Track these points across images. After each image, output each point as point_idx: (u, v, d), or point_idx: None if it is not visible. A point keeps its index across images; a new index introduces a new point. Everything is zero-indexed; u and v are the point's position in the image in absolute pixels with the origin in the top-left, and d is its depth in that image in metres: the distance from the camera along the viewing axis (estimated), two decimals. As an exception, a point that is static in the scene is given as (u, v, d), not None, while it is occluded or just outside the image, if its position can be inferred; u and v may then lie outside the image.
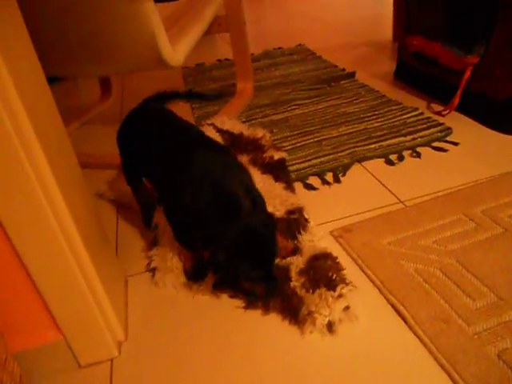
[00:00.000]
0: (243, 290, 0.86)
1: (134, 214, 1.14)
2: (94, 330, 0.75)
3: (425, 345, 0.72)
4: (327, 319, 0.77)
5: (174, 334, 0.81)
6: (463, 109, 1.44)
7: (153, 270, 0.95)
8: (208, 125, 1.44)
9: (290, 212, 1.01)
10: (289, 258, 0.90)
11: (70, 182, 0.72)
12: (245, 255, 0.76)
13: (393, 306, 0.80)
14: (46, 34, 1.21)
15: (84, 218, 0.74)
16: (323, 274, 0.83)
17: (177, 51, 1.22)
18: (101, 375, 0.76)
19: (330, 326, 0.77)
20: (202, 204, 0.77)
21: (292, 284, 0.84)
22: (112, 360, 0.78)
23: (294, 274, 0.86)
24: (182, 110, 1.70)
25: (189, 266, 0.94)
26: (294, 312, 0.80)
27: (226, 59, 2.30)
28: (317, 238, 0.94)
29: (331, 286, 0.80)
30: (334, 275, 0.83)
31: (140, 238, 1.06)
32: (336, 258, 0.88)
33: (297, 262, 0.88)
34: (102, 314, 0.74)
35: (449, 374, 0.67)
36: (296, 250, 0.92)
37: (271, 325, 0.80)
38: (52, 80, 2.46)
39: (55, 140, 0.69)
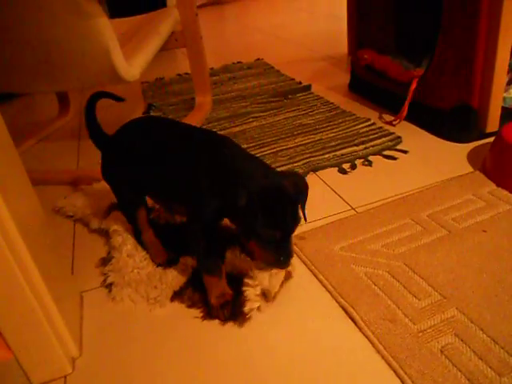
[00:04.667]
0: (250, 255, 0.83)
1: (91, 229, 1.13)
2: (45, 347, 0.74)
3: (373, 344, 0.75)
4: (259, 288, 0.81)
5: (129, 349, 0.81)
6: (412, 118, 1.51)
7: (109, 286, 0.95)
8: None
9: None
10: (239, 267, 0.91)
11: (18, 194, 0.71)
12: (268, 208, 0.71)
13: (343, 308, 0.83)
14: (-3, 50, 1.20)
15: (33, 233, 0.74)
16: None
17: (132, 66, 1.23)
18: (54, 393, 0.75)
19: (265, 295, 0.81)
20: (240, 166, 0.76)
21: (246, 293, 0.85)
22: (66, 377, 0.77)
23: (248, 281, 0.87)
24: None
25: (162, 260, 0.96)
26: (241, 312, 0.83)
27: (186, 73, 2.32)
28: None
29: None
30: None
31: (97, 253, 1.06)
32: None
33: (249, 273, 0.89)
34: (53, 331, 0.74)
35: (395, 371, 0.70)
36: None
37: (229, 334, 0.81)
38: (8, 96, 2.42)
39: (1, 154, 0.69)
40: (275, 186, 0.74)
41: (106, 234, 1.09)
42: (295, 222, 0.75)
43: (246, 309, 0.82)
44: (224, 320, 0.83)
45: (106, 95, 1.01)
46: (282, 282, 0.86)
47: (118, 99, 1.02)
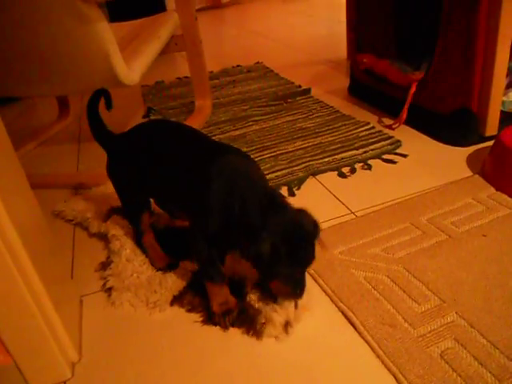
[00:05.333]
0: (267, 290, 0.82)
1: (90, 233, 1.13)
2: (45, 352, 0.74)
3: (373, 349, 0.75)
4: (285, 320, 0.79)
5: (129, 354, 0.81)
6: (411, 122, 1.52)
7: (109, 290, 0.95)
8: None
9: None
10: (240, 272, 0.91)
11: (17, 198, 0.72)
12: (289, 250, 0.71)
13: (343, 313, 0.83)
14: (-3, 55, 1.20)
15: (33, 237, 0.74)
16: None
17: (132, 70, 1.24)
18: (53, 398, 0.75)
19: (288, 326, 0.79)
20: (249, 199, 0.74)
21: (248, 298, 0.86)
22: (65, 382, 0.77)
23: (249, 288, 0.88)
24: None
25: (162, 265, 0.96)
26: (250, 322, 0.81)
27: (186, 77, 2.32)
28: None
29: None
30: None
31: (97, 257, 1.05)
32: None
33: (249, 277, 0.90)
34: (53, 335, 0.74)
35: (394, 376, 0.70)
36: None
37: (229, 338, 0.81)
38: (8, 100, 2.42)
39: (1, 158, 0.69)
40: (296, 228, 0.73)
41: (105, 238, 1.09)
42: (313, 258, 0.76)
43: (266, 333, 0.79)
44: (226, 328, 0.82)
45: (106, 95, 0.99)
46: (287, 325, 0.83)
47: (109, 106, 0.99)
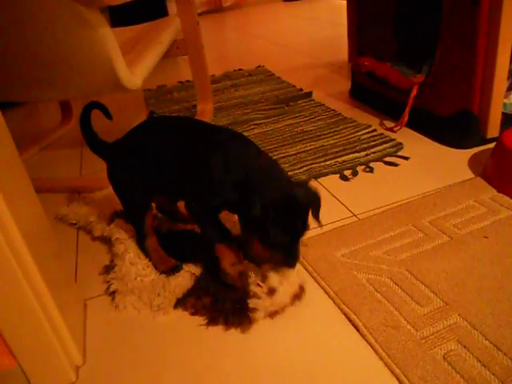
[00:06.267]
0: (256, 258, 0.87)
1: (93, 236, 1.14)
2: (49, 355, 0.74)
3: (376, 351, 0.75)
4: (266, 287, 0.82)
5: (133, 357, 0.81)
6: (413, 125, 1.52)
7: (112, 294, 0.95)
8: (168, 146, 1.46)
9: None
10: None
11: (22, 202, 0.72)
12: (281, 217, 0.76)
13: (346, 315, 0.83)
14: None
15: (37, 241, 0.74)
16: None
17: (134, 75, 1.24)
18: (58, 401, 0.75)
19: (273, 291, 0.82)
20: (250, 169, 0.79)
21: (249, 301, 0.86)
22: (70, 385, 0.77)
23: (252, 287, 0.88)
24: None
25: (165, 268, 0.96)
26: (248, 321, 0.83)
27: (188, 81, 2.34)
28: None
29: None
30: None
31: (100, 260, 1.06)
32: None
33: (253, 279, 0.90)
34: (58, 339, 0.74)
35: (397, 378, 0.70)
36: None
37: (232, 341, 0.82)
38: (11, 104, 2.43)
39: (6, 162, 0.70)
40: (288, 196, 0.78)
41: (109, 242, 1.09)
42: (304, 228, 0.81)
43: (251, 304, 0.82)
44: (241, 288, 0.85)
45: (99, 107, 1.01)
46: (294, 298, 0.86)
47: (108, 116, 1.01)
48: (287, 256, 0.82)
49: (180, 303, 0.90)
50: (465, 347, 0.73)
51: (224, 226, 0.90)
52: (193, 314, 0.89)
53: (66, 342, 0.76)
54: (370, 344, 0.77)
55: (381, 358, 0.74)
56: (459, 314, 0.79)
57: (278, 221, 0.76)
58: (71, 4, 1.05)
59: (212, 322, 0.86)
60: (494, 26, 1.21)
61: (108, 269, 1.01)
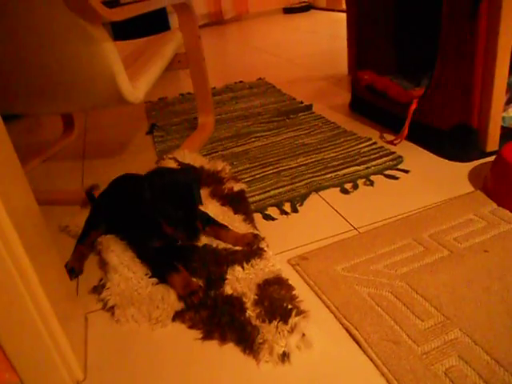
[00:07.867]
0: (167, 236, 0.98)
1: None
2: (51, 370, 0.74)
3: (377, 367, 0.75)
4: (282, 349, 0.78)
5: (133, 370, 0.81)
6: (413, 138, 1.53)
7: (111, 309, 0.95)
8: (169, 158, 1.47)
9: (248, 244, 1.04)
10: (240, 289, 0.92)
11: (24, 214, 0.73)
12: (168, 197, 0.93)
13: (347, 329, 0.83)
14: (3, 73, 1.22)
15: (39, 254, 0.74)
16: (278, 304, 0.85)
17: (136, 88, 1.26)
18: (58, 416, 0.75)
19: (285, 356, 0.78)
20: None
21: (247, 314, 0.86)
22: (70, 400, 0.77)
23: (249, 304, 0.88)
24: (145, 144, 1.72)
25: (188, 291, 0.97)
26: (249, 341, 0.81)
27: (189, 93, 2.36)
28: (270, 264, 0.98)
29: (286, 316, 0.83)
30: (289, 305, 0.85)
31: (102, 273, 1.06)
32: (290, 285, 0.92)
33: (249, 294, 0.90)
34: (59, 354, 0.74)
35: (399, 394, 0.70)
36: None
37: (228, 355, 0.81)
38: (13, 116, 2.45)
39: (9, 174, 0.70)
40: (170, 178, 0.96)
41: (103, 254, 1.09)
42: (193, 203, 0.96)
43: (262, 356, 0.79)
44: (193, 306, 0.90)
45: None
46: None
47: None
48: (187, 231, 0.94)
49: (178, 316, 0.90)
50: (466, 363, 0.73)
51: (169, 259, 0.99)
52: (190, 327, 0.89)
53: (67, 356, 0.76)
54: (371, 359, 0.77)
55: (382, 374, 0.74)
56: (460, 329, 0.79)
57: (168, 199, 0.92)
58: (75, 19, 1.07)
59: (208, 335, 0.85)
60: (492, 40, 1.23)
61: (102, 285, 1.00)
